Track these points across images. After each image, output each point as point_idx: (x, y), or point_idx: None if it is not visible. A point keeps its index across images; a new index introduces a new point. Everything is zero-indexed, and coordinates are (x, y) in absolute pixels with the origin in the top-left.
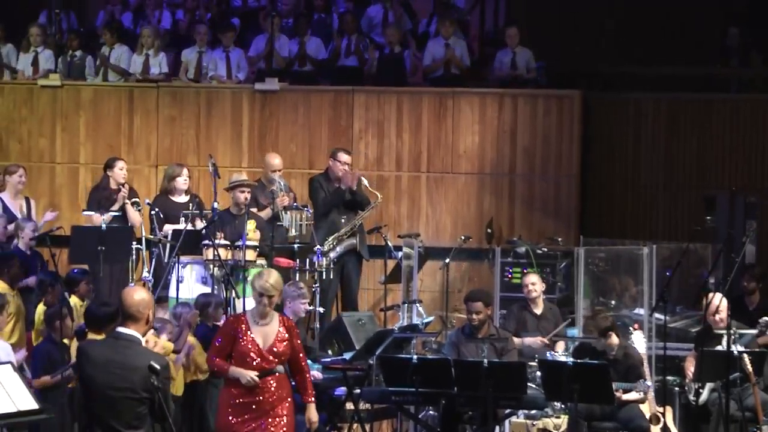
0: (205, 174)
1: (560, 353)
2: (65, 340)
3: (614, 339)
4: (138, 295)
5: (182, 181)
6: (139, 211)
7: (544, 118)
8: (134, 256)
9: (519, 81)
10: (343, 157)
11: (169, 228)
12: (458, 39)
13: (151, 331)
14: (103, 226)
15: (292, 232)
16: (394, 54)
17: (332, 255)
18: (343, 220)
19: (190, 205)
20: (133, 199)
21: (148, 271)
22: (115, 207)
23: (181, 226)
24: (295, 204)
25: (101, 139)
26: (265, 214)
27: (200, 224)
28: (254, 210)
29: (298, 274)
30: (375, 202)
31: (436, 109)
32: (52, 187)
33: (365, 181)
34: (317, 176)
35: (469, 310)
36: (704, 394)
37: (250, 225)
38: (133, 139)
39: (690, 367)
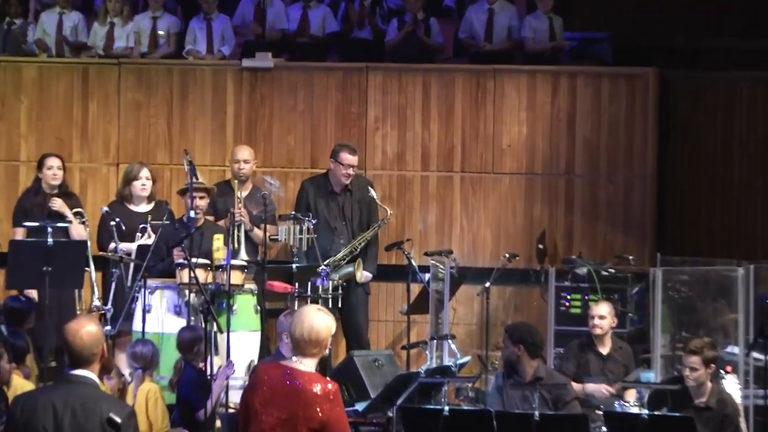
0: (180, 175)
1: (632, 403)
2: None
3: (695, 361)
4: (87, 334)
5: (140, 186)
6: (84, 223)
7: (611, 103)
8: None
9: (557, 56)
10: (347, 157)
11: (127, 245)
12: (505, 3)
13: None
14: (50, 240)
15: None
16: (418, 23)
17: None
18: (342, 241)
19: (149, 216)
20: (75, 209)
21: (99, 299)
22: (69, 217)
23: (139, 242)
24: (293, 213)
25: (47, 130)
26: (224, 224)
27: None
28: (210, 218)
29: (297, 302)
30: (385, 219)
31: (473, 91)
32: None
33: (374, 193)
34: (309, 180)
35: None
36: None
37: (217, 241)
38: (88, 131)
39: None
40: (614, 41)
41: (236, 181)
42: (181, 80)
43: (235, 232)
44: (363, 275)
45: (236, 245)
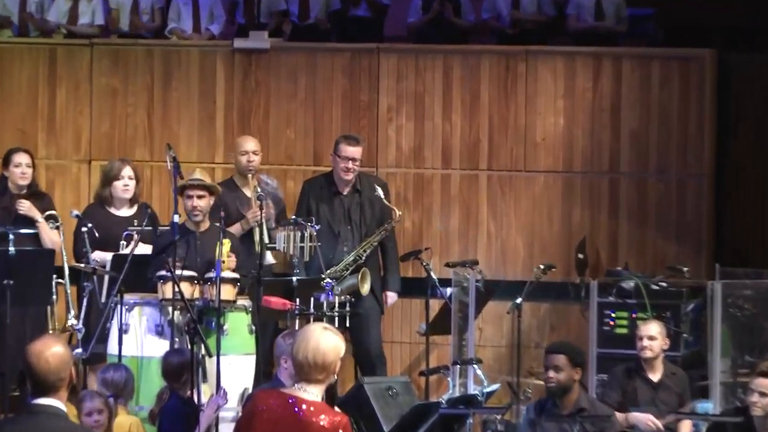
0: (162, 173)
1: None
2: None
3: (767, 385)
4: (53, 356)
5: (122, 186)
6: (57, 228)
7: (662, 90)
8: (54, 294)
9: (604, 36)
10: (346, 149)
11: (102, 254)
12: None
13: None
14: (12, 248)
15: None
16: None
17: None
18: (346, 249)
19: (135, 220)
20: (48, 212)
21: (76, 317)
22: (39, 221)
23: (125, 251)
24: (294, 218)
25: (9, 122)
26: (235, 230)
27: (144, 248)
28: (217, 224)
29: (297, 320)
30: (392, 221)
31: (502, 76)
32: None
33: (380, 191)
34: (310, 180)
35: (546, 365)
36: None
37: (225, 246)
38: (56, 122)
39: None
40: (665, 18)
41: (249, 175)
42: (164, 64)
43: (257, 233)
44: (387, 296)
45: (258, 249)
